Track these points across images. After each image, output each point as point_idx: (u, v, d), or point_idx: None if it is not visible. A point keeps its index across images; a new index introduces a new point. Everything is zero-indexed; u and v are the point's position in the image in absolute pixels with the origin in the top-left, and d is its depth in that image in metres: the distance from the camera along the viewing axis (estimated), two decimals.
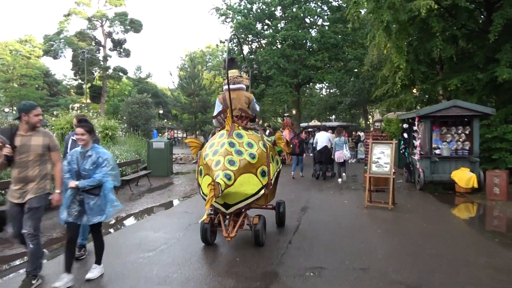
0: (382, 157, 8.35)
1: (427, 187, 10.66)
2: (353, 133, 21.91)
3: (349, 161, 18.78)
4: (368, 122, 43.98)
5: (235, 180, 4.76)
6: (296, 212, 7.85)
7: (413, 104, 13.87)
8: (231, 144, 5.04)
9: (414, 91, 15.34)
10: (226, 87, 5.49)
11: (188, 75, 20.69)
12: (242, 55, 22.36)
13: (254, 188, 5.05)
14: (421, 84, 13.18)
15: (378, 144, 8.55)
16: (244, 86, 5.95)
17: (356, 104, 43.00)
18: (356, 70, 35.25)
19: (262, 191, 5.16)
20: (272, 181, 5.49)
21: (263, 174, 5.19)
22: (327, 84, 52.05)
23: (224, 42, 34.66)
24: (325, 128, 14.83)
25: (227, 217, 5.40)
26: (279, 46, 33.78)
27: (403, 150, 12.72)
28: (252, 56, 34.52)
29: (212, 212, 5.58)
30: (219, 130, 5.66)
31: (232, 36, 32.77)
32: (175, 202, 9.39)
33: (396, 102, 17.66)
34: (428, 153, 10.57)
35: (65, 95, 45.98)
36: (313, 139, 14.85)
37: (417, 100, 13.93)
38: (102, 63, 36.82)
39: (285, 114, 21.41)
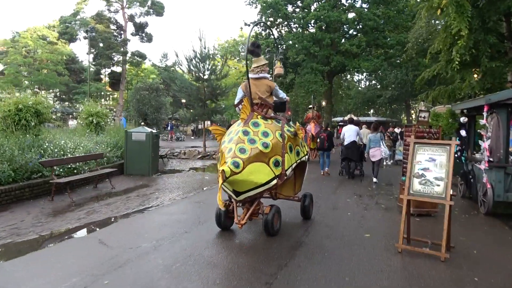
0: (432, 168, 4.94)
1: (496, 209, 7.11)
2: (390, 129, 18.08)
3: (384, 163, 15.54)
4: (411, 118, 39.42)
5: (243, 168, 4.73)
6: (278, 256, 4.64)
7: (475, 89, 10.07)
8: (245, 133, 5.06)
9: (475, 76, 11.46)
10: (250, 75, 5.53)
11: (196, 56, 17.68)
12: (274, 41, 19.25)
13: (264, 178, 4.99)
14: (489, 63, 9.37)
15: (425, 146, 5.12)
16: (268, 75, 5.83)
17: (398, 98, 38.83)
18: (398, 60, 31.10)
19: (274, 181, 5.11)
20: (287, 172, 5.36)
21: (276, 164, 5.14)
22: (365, 76, 47.95)
23: (249, 25, 31.66)
24: (352, 121, 12.29)
25: (244, 204, 5.43)
26: (311, 30, 30.16)
27: (458, 154, 9.13)
28: (281, 42, 31.14)
29: (228, 199, 5.54)
30: None
31: (257, 21, 29.77)
32: (112, 220, 6.46)
33: (448, 91, 13.77)
34: (502, 160, 6.97)
35: (91, 83, 44.65)
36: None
37: (481, 86, 10.10)
38: (121, 48, 34.66)
39: (309, 106, 18.17)
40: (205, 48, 18.20)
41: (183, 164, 15.40)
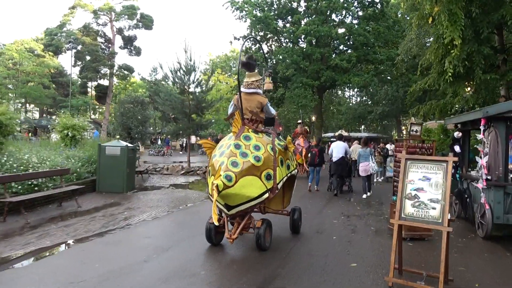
0: (426, 188, 4.29)
1: (495, 232, 6.47)
2: (381, 145, 17.53)
3: (375, 179, 15.17)
4: (402, 134, 39.14)
5: (236, 182, 4.69)
6: None
7: (469, 103, 9.54)
8: (237, 146, 5.02)
9: (467, 89, 10.96)
10: (242, 89, 5.56)
11: (181, 67, 17.10)
12: (264, 56, 18.86)
13: (257, 191, 4.94)
14: (483, 75, 8.87)
15: (418, 163, 4.48)
16: (260, 91, 5.83)
17: (389, 114, 38.64)
18: (388, 75, 30.96)
19: (266, 195, 5.05)
20: (279, 186, 5.30)
21: (268, 177, 5.09)
22: (356, 91, 47.90)
23: (238, 39, 31.32)
24: (341, 138, 12.11)
25: (235, 218, 5.28)
26: (302, 45, 29.91)
27: (452, 171, 8.51)
28: (271, 56, 30.83)
29: (218, 213, 5.24)
30: None
31: (248, 35, 29.44)
32: (63, 246, 5.68)
33: (439, 105, 13.28)
34: (501, 178, 6.37)
35: (78, 96, 43.78)
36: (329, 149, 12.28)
37: (475, 100, 9.56)
38: (108, 61, 33.91)
39: (298, 121, 17.71)
40: (190, 60, 17.64)
41: (164, 180, 14.61)
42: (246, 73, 5.75)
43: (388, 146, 17.25)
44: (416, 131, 6.45)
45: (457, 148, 8.55)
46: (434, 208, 4.19)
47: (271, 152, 5.23)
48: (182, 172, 16.77)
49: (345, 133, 40.92)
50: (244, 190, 4.79)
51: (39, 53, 41.17)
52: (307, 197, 10.60)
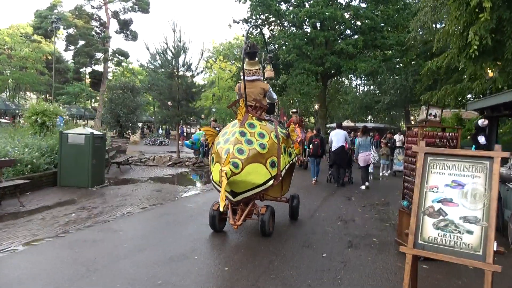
0: (458, 200, 2.76)
1: None
2: (389, 135, 15.91)
3: (381, 173, 13.88)
4: (410, 125, 37.30)
5: (242, 169, 4.77)
6: None
7: (497, 84, 7.89)
8: (242, 133, 5.05)
9: (489, 71, 9.29)
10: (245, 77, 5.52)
11: (168, 48, 15.61)
12: (264, 41, 17.46)
13: (262, 178, 5.02)
14: None
15: (445, 160, 2.94)
16: (261, 78, 5.92)
17: (397, 104, 36.75)
18: (397, 62, 29.16)
19: (271, 182, 5.13)
20: (282, 173, 5.38)
21: (273, 165, 5.16)
22: (364, 80, 45.99)
23: (238, 23, 29.66)
24: (341, 126, 11.40)
25: (238, 205, 5.33)
26: (306, 30, 28.15)
27: None
28: (273, 41, 29.14)
29: None
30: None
31: (248, 19, 27.82)
32: None
33: (456, 90, 11.62)
34: None
35: (75, 83, 42.42)
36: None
37: (504, 80, 7.88)
38: (102, 45, 32.39)
39: (293, 110, 16.39)
40: (180, 41, 16.14)
41: (147, 172, 13.17)
42: (247, 60, 5.71)
43: (396, 136, 15.66)
44: (435, 116, 4.88)
45: (482, 139, 7.00)
46: (470, 232, 2.66)
47: (275, 139, 5.31)
48: (170, 163, 15.34)
49: (351, 124, 39.21)
50: (250, 177, 4.86)
51: (35, 39, 39.81)
52: (301, 193, 9.06)
